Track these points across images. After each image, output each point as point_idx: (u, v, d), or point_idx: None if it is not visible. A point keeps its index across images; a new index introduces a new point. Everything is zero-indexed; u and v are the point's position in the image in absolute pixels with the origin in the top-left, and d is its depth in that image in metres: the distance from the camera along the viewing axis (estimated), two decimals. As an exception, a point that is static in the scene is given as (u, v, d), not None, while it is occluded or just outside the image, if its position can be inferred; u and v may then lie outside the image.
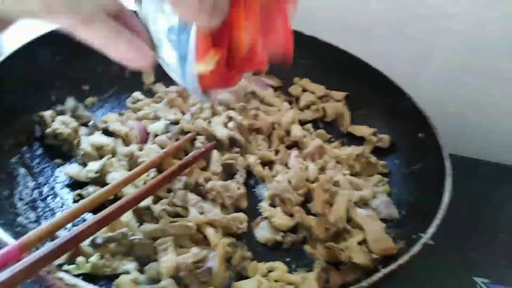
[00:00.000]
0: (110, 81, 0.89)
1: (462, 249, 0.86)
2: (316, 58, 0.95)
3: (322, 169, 0.74)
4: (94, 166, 0.66)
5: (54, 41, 0.70)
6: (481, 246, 0.85)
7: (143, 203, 0.60)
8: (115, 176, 0.64)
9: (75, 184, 0.67)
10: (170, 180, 0.62)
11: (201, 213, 0.60)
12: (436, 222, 0.53)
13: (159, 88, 0.92)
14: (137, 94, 0.87)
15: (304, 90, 0.96)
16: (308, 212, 0.67)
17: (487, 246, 0.86)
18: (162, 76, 0.95)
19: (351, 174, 0.76)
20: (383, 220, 0.68)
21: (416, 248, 0.51)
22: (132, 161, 0.68)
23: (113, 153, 0.71)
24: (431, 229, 0.52)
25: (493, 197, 1.02)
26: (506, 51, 0.96)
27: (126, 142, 0.73)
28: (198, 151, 0.68)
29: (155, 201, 0.62)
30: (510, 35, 0.94)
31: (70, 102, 0.80)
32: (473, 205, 0.98)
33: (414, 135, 0.76)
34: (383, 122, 0.85)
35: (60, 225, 0.51)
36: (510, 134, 1.15)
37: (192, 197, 0.61)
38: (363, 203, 0.70)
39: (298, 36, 0.94)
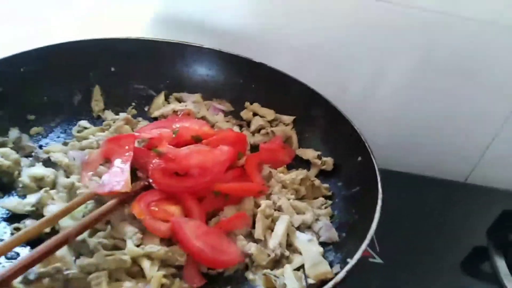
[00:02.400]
0: (57, 110, 0.88)
1: (411, 264, 0.90)
2: (264, 83, 0.98)
3: (268, 195, 0.76)
4: (31, 199, 0.65)
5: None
6: (428, 259, 0.89)
7: (79, 237, 0.59)
8: (53, 208, 0.63)
9: (14, 217, 0.66)
10: (108, 214, 0.61)
11: (139, 245, 0.60)
12: (362, 247, 0.55)
13: (108, 115, 0.92)
14: (83, 123, 0.87)
15: (255, 114, 0.99)
16: (253, 238, 0.68)
17: (434, 259, 0.90)
18: (111, 102, 0.96)
19: (297, 198, 0.78)
20: (323, 243, 0.69)
21: (340, 276, 0.52)
22: (71, 193, 0.68)
23: (54, 185, 0.70)
24: (357, 255, 0.54)
25: (436, 213, 1.08)
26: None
27: (68, 173, 0.73)
28: (139, 184, 0.68)
29: (92, 234, 0.61)
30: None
31: (13, 133, 0.78)
32: (419, 222, 1.03)
33: (354, 158, 0.79)
34: (327, 147, 0.88)
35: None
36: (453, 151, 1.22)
37: (130, 229, 0.61)
38: (305, 227, 0.72)
39: (248, 62, 0.99)
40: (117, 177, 0.66)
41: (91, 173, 0.71)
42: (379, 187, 0.66)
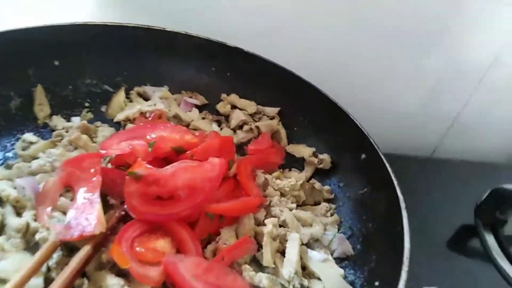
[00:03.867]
0: (-9, 121, 0.70)
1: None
2: (241, 71, 0.86)
3: (267, 206, 0.66)
4: (-26, 255, 0.49)
5: None
6: (427, 256, 0.85)
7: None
8: (6, 266, 0.49)
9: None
10: (84, 267, 0.48)
11: (128, 301, 0.48)
12: (403, 276, 0.47)
13: (57, 121, 0.75)
14: (28, 136, 0.70)
15: (233, 107, 0.86)
16: (258, 263, 0.59)
17: (432, 255, 0.86)
18: (59, 105, 0.78)
19: (297, 205, 0.69)
20: (337, 259, 0.62)
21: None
22: (27, 237, 0.53)
23: (2, 227, 0.54)
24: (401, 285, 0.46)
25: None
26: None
27: (18, 208, 0.57)
28: (114, 216, 0.55)
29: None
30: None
31: None
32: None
33: (356, 155, 0.71)
34: (320, 140, 0.79)
35: None
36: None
37: (113, 281, 0.49)
38: (314, 240, 0.63)
39: (220, 47, 0.85)
40: (86, 213, 0.52)
41: (50, 208, 0.56)
42: (398, 192, 0.58)
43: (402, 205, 0.56)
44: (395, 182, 0.59)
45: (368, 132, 0.70)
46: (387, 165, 0.63)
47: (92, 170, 0.58)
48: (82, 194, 0.55)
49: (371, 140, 0.68)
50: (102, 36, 0.80)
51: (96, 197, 0.55)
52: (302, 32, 0.94)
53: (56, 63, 0.78)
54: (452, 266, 0.88)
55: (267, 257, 0.56)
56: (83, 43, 0.78)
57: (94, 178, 0.57)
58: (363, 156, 0.70)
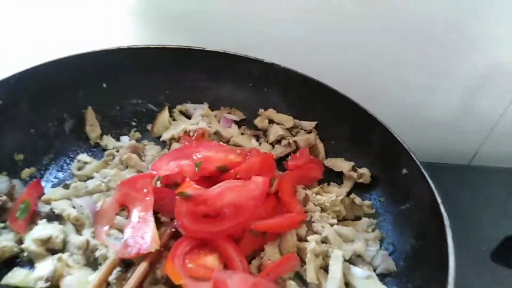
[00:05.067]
0: (48, 142, 0.76)
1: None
2: (277, 86, 0.88)
3: (308, 222, 0.67)
4: (42, 271, 0.54)
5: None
6: (469, 267, 0.84)
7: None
8: (72, 281, 0.53)
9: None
10: (142, 283, 0.52)
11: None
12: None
13: (108, 141, 0.80)
14: (82, 156, 0.75)
15: (271, 121, 0.89)
16: (301, 278, 0.60)
17: (475, 267, 0.85)
18: (108, 125, 0.83)
19: (338, 220, 0.70)
20: (380, 275, 0.62)
21: None
22: (87, 253, 0.58)
23: (64, 245, 0.59)
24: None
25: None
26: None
27: (77, 226, 0.62)
28: (166, 233, 0.58)
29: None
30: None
31: (2, 180, 0.66)
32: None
33: (396, 169, 0.71)
34: (358, 154, 0.79)
35: None
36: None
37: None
38: (357, 256, 0.64)
39: (257, 63, 0.88)
40: (141, 231, 0.56)
41: (108, 226, 0.60)
42: (442, 211, 0.58)
43: (447, 222, 0.56)
44: (439, 200, 0.60)
45: (405, 141, 0.70)
46: (429, 180, 0.63)
47: (145, 190, 0.61)
48: (136, 213, 0.59)
49: (412, 155, 0.68)
50: (145, 57, 0.84)
51: (149, 216, 0.58)
52: (332, 40, 0.94)
53: (104, 85, 0.83)
54: (495, 278, 0.86)
55: (310, 274, 0.58)
56: (127, 65, 0.83)
57: (147, 198, 0.61)
58: (404, 171, 0.70)
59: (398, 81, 1.02)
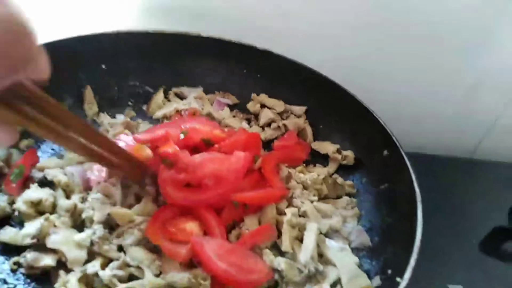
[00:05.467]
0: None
1: (436, 259, 0.85)
2: (270, 72, 0.90)
3: (289, 198, 0.70)
4: (30, 228, 0.57)
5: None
6: (456, 256, 0.84)
7: (91, 269, 0.53)
8: (56, 238, 0.56)
9: (11, 250, 0.59)
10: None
11: (159, 274, 0.54)
12: (411, 263, 0.49)
13: (104, 118, 0.84)
14: (78, 131, 0.78)
15: (263, 106, 0.91)
16: (278, 248, 0.62)
17: (462, 255, 0.86)
18: (106, 104, 0.87)
19: (319, 198, 0.72)
20: (355, 249, 0.64)
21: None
22: (75, 216, 0.61)
23: (53, 208, 0.62)
24: (407, 274, 0.49)
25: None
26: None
27: (68, 192, 0.65)
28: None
29: (104, 264, 0.55)
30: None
31: (0, 150, 0.70)
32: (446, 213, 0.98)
33: (378, 152, 0.73)
34: (344, 138, 0.81)
35: None
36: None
37: (146, 256, 0.55)
38: (333, 231, 0.66)
39: (251, 50, 0.91)
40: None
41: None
42: (415, 187, 0.60)
43: (418, 198, 0.58)
44: (413, 177, 0.61)
45: (396, 130, 0.72)
46: (406, 160, 0.65)
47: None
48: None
49: (393, 137, 0.70)
50: (144, 42, 0.88)
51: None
52: (330, 30, 0.95)
53: (103, 67, 0.87)
54: (482, 267, 0.87)
55: (285, 243, 0.60)
56: (126, 48, 0.87)
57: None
58: (385, 152, 0.72)
59: (401, 74, 1.02)
